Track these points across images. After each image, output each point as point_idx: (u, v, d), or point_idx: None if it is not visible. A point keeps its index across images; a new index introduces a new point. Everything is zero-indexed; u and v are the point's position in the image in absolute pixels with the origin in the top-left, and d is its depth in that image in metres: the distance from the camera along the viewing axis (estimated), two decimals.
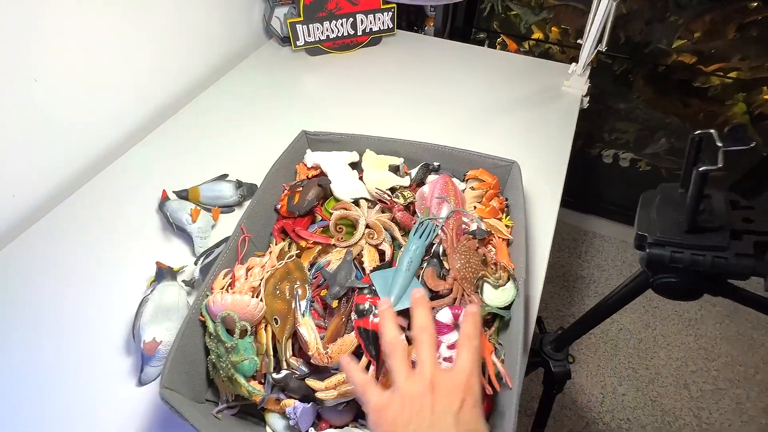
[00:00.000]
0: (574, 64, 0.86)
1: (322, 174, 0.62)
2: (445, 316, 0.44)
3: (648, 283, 0.42)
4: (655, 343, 1.36)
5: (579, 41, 0.80)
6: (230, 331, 0.46)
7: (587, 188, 1.61)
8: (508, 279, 0.48)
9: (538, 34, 1.39)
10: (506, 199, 0.59)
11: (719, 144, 0.30)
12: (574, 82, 0.90)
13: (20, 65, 0.64)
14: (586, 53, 0.78)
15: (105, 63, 0.76)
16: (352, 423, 0.45)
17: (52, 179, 0.73)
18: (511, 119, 0.86)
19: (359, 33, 1.02)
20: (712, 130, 0.31)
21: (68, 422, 0.48)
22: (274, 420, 0.46)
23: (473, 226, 0.55)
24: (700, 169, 0.30)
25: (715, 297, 0.34)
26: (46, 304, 0.59)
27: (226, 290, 0.48)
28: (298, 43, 0.99)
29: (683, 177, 0.35)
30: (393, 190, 0.59)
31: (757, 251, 0.32)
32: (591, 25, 0.74)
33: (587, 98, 0.93)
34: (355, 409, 0.46)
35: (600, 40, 0.76)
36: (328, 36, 1.00)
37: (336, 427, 0.44)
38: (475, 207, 0.57)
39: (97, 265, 0.63)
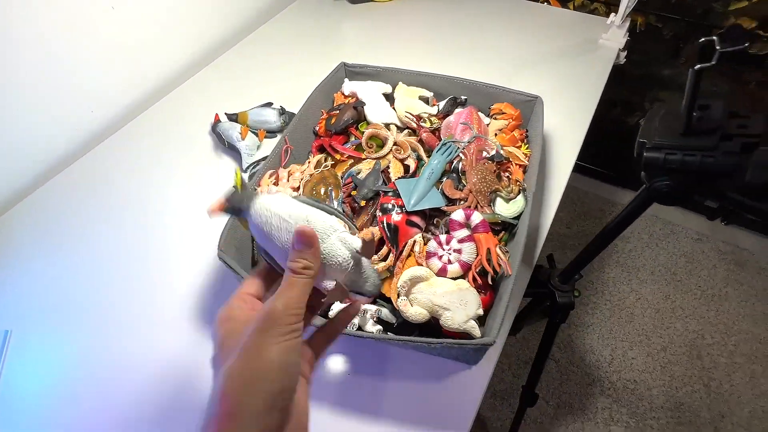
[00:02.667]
0: (612, 14, 0.85)
1: (358, 100, 0.68)
2: (458, 215, 0.50)
3: (649, 197, 0.46)
4: (672, 314, 1.37)
5: None
6: None
7: (620, 159, 1.58)
8: (519, 192, 0.53)
9: None
10: (526, 131, 0.62)
11: (717, 47, 0.33)
12: (612, 35, 0.90)
13: None
14: (626, 1, 0.77)
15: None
16: (371, 303, 0.53)
17: (124, 99, 0.84)
18: (544, 69, 0.87)
19: None
20: (714, 36, 0.34)
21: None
22: None
23: (492, 153, 0.60)
24: (695, 67, 0.33)
25: (712, 220, 0.37)
26: (129, 199, 0.70)
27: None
28: None
29: None
30: (421, 117, 0.64)
31: (744, 149, 0.35)
32: None
33: (625, 53, 0.92)
34: None
35: None
36: None
37: None
38: (495, 135, 0.62)
39: (160, 176, 0.74)
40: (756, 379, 1.23)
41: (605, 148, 1.52)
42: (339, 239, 0.29)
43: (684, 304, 1.38)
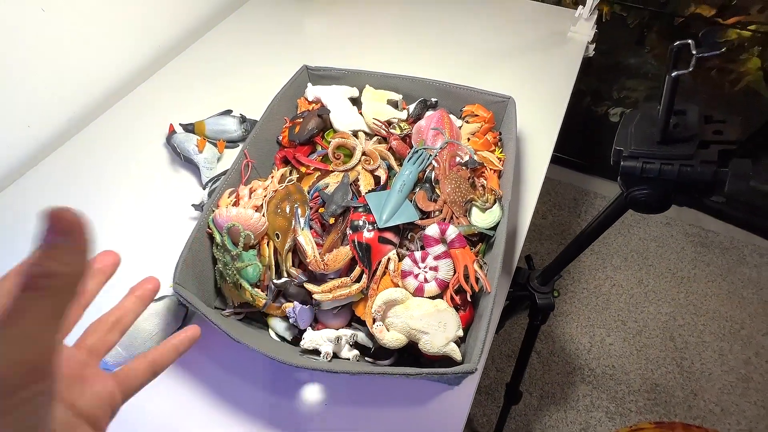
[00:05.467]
0: (580, 7, 0.84)
1: (323, 107, 0.64)
2: (432, 230, 0.47)
3: (626, 205, 0.44)
4: (645, 299, 1.41)
5: None
6: (236, 243, 0.50)
7: (590, 148, 1.60)
8: (495, 202, 0.51)
9: None
10: (500, 134, 0.60)
11: (693, 52, 0.32)
12: (580, 28, 0.89)
13: None
14: None
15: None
16: (346, 327, 0.50)
17: (65, 112, 0.76)
18: (514, 64, 0.85)
19: None
20: (689, 40, 0.32)
21: None
22: (276, 323, 0.51)
23: (466, 158, 0.57)
24: (672, 74, 0.31)
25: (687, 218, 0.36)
26: None
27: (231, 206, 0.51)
28: None
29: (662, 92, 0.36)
30: (390, 123, 0.61)
31: (721, 158, 0.34)
32: None
33: (593, 45, 0.91)
34: (349, 316, 0.50)
35: None
36: None
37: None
38: (468, 139, 0.59)
39: (108, 197, 0.67)
40: (724, 355, 1.29)
41: (576, 138, 1.53)
42: None
43: (656, 288, 1.43)
